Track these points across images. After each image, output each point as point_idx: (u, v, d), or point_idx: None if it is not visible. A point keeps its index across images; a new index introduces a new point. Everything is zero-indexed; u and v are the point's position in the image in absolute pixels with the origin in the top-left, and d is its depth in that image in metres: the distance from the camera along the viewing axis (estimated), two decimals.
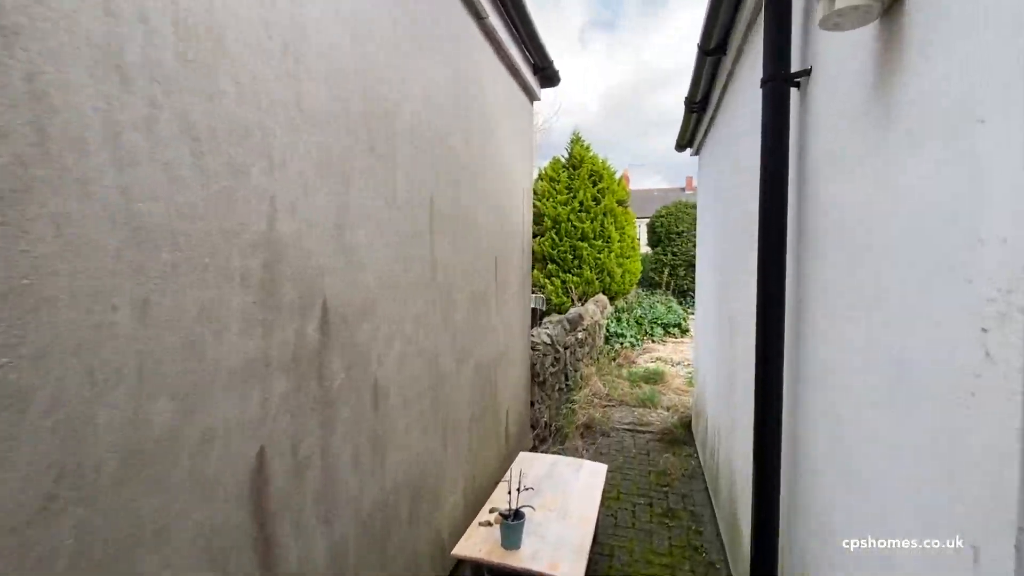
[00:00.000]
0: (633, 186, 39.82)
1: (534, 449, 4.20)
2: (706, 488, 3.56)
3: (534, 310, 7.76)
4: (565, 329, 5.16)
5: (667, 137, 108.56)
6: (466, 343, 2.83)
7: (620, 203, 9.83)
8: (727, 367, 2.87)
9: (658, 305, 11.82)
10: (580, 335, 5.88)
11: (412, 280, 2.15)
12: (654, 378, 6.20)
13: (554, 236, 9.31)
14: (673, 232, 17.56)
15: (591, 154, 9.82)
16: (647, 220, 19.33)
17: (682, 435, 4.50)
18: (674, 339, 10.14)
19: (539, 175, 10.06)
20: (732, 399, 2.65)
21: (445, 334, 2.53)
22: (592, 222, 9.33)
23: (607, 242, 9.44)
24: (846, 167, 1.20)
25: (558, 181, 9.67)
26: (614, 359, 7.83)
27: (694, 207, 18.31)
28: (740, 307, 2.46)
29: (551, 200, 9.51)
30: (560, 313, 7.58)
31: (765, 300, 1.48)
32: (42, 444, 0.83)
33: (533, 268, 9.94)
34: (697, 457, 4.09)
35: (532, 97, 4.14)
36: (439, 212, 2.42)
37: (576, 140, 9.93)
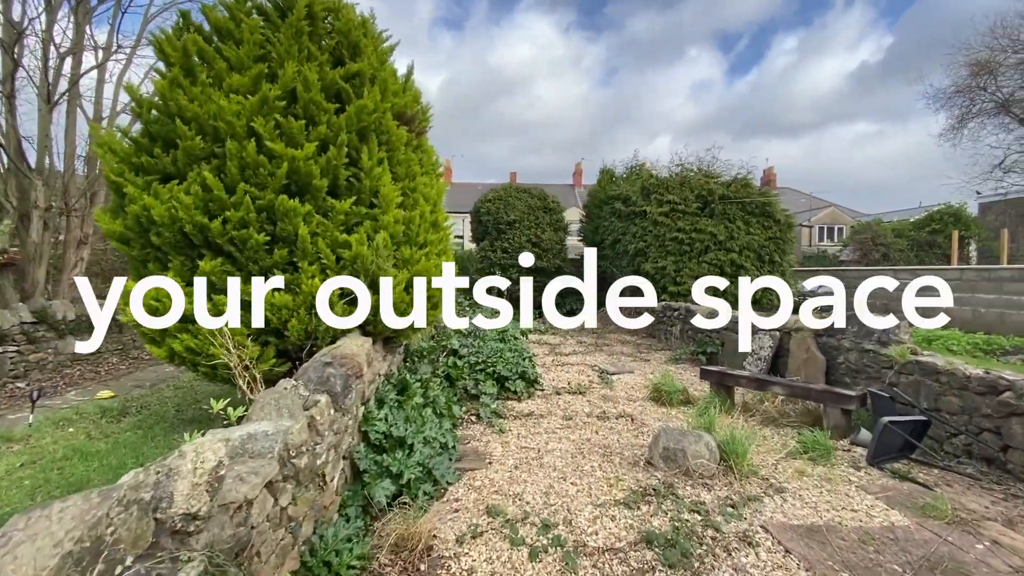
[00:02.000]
0: (456, 179, 35.01)
1: None
2: None
3: None
4: None
5: (503, 143, 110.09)
6: None
7: (403, 121, 4.32)
8: None
9: (486, 332, 6.86)
10: None
11: None
12: None
13: (212, 177, 3.31)
14: (503, 222, 13.14)
15: None
16: (469, 213, 14.60)
17: None
18: (516, 403, 5.22)
19: (179, 21, 3.81)
20: None
21: None
22: (327, 151, 3.65)
23: (369, 206, 3.89)
24: None
25: (237, 40, 3.68)
26: None
27: (527, 192, 14.31)
28: None
29: (209, 82, 3.48)
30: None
31: None
32: None
33: (151, 263, 3.66)
34: None
35: None
36: None
37: None
